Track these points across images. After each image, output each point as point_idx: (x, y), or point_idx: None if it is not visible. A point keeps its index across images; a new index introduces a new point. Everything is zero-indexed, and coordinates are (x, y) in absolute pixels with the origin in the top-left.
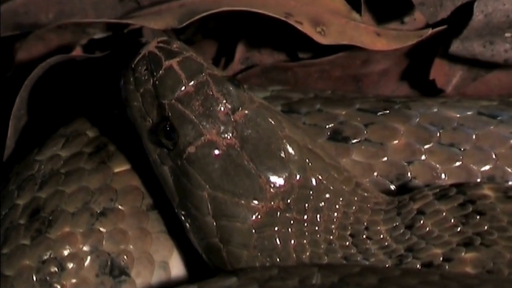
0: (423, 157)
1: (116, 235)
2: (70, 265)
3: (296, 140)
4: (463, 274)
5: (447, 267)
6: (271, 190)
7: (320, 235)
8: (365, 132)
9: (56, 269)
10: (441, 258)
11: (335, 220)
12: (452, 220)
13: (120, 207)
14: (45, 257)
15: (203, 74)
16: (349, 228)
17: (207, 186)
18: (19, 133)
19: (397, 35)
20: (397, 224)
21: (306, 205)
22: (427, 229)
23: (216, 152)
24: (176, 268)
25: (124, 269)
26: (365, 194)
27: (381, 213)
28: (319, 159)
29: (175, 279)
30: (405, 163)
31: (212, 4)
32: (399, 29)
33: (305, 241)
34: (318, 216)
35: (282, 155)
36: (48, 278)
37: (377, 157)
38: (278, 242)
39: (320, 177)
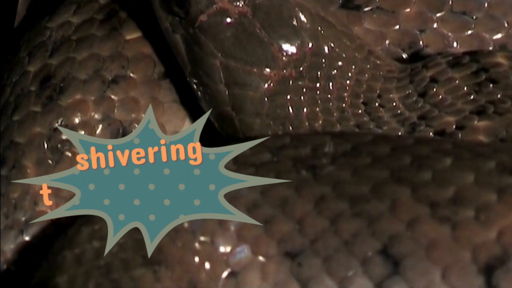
0: (435, 25)
1: (128, 103)
2: (82, 133)
3: (308, 8)
4: (475, 143)
5: (459, 135)
6: (283, 58)
7: (332, 103)
8: (377, 0)
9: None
10: (454, 126)
11: (347, 88)
12: (465, 88)
13: (131, 74)
14: (56, 125)
15: None
16: (362, 96)
17: (219, 54)
18: (30, 0)
19: None
20: (410, 92)
21: (319, 73)
22: (440, 97)
23: (228, 20)
24: None
25: None
26: (378, 61)
27: (394, 80)
28: (331, 27)
29: None
30: (417, 31)
31: None
32: None
33: (317, 109)
34: (330, 84)
35: (294, 23)
36: (59, 146)
37: (389, 25)
38: (291, 110)
39: (332, 44)
